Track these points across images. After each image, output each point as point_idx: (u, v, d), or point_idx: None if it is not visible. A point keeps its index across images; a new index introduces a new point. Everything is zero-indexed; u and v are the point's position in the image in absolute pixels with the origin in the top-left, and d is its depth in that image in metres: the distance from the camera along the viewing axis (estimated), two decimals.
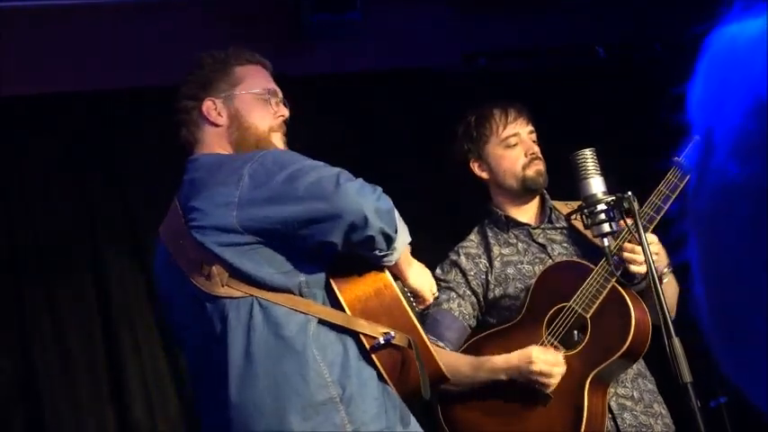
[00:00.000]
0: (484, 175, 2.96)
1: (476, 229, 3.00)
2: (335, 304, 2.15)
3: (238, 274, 2.10)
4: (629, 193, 2.46)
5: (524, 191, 2.91)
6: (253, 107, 2.32)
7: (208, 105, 2.29)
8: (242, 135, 2.29)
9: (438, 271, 2.91)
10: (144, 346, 3.94)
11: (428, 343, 2.20)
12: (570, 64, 4.71)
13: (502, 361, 2.67)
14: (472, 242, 2.96)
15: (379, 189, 2.09)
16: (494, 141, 2.92)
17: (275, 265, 2.10)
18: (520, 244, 2.90)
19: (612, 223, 2.47)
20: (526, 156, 2.89)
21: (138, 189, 3.99)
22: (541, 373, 2.60)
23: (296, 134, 2.40)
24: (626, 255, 2.61)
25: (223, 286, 2.11)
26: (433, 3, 4.54)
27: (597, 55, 4.69)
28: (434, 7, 4.54)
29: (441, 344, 2.79)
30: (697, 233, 0.62)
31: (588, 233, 2.67)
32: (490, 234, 2.94)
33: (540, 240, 2.89)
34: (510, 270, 2.86)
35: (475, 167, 2.96)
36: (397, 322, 2.16)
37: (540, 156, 2.91)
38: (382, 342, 2.11)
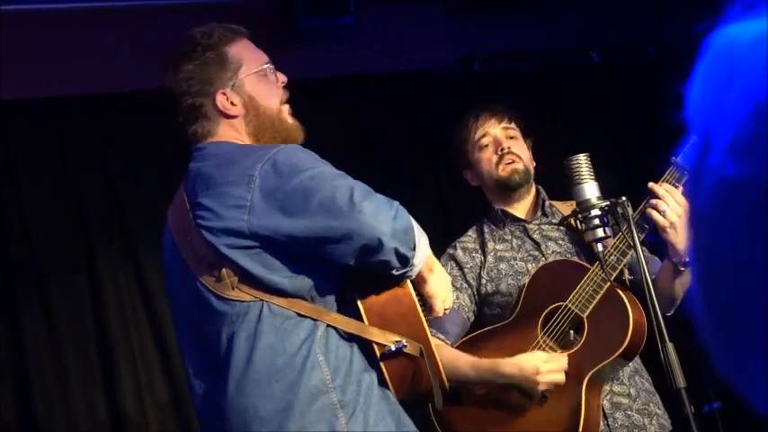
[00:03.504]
0: (474, 182, 2.96)
1: (474, 226, 2.99)
2: (352, 308, 2.12)
3: (249, 278, 2.07)
4: (624, 198, 2.45)
5: (505, 190, 2.89)
6: (260, 87, 2.26)
7: (221, 99, 2.21)
8: (259, 121, 2.24)
9: None
10: (136, 346, 3.96)
11: (437, 355, 2.17)
12: (566, 67, 4.72)
13: (508, 367, 2.61)
14: (469, 237, 2.95)
15: (396, 205, 2.04)
16: (471, 148, 2.92)
17: (285, 270, 2.07)
18: (515, 240, 2.88)
19: (606, 228, 2.45)
20: (497, 153, 2.87)
21: (133, 193, 3.99)
22: (550, 383, 2.58)
23: None
24: (652, 200, 2.53)
25: (233, 289, 2.07)
26: (427, 6, 4.53)
27: (592, 58, 4.69)
28: (429, 10, 4.54)
29: (441, 336, 2.77)
30: (696, 230, 0.62)
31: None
32: (487, 230, 2.93)
33: (536, 237, 2.87)
34: (503, 266, 2.85)
35: (468, 176, 2.97)
36: (411, 330, 2.13)
37: (513, 151, 2.86)
38: (393, 350, 2.09)
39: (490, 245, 2.89)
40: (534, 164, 2.94)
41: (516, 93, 4.05)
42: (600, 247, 2.49)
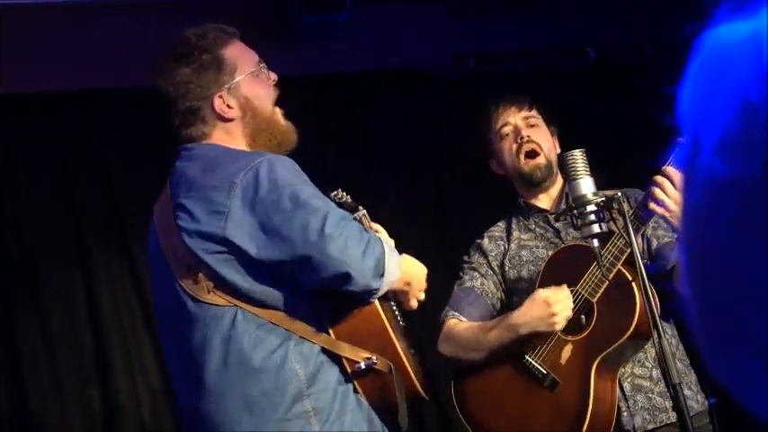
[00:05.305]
0: (499, 171, 2.97)
1: (505, 217, 3.00)
2: (320, 325, 2.14)
3: (224, 284, 2.09)
4: (619, 193, 2.45)
5: (529, 185, 2.90)
6: (254, 88, 2.26)
7: (219, 102, 2.22)
8: (256, 123, 2.25)
9: (465, 257, 2.94)
10: (131, 345, 3.96)
11: (408, 367, 2.19)
12: (565, 66, 4.71)
13: (517, 315, 2.63)
14: (498, 227, 2.98)
15: (367, 237, 2.05)
16: (493, 137, 2.93)
17: (260, 280, 2.09)
18: (538, 229, 2.90)
19: (602, 224, 2.45)
20: (516, 142, 2.87)
21: (133, 194, 3.99)
22: (563, 310, 2.58)
23: None
24: (651, 188, 2.49)
25: (209, 293, 2.09)
26: (426, 5, 4.53)
27: (588, 56, 4.69)
28: (428, 9, 4.54)
29: (462, 318, 2.80)
30: (687, 227, 0.62)
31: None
32: (514, 221, 2.95)
33: (557, 225, 2.88)
34: (524, 252, 2.86)
35: (493, 166, 2.98)
36: (380, 346, 2.15)
37: (532, 140, 2.86)
38: (363, 367, 2.11)
39: (515, 234, 2.91)
40: (559, 151, 2.91)
41: (515, 92, 4.05)
42: (596, 242, 2.48)
